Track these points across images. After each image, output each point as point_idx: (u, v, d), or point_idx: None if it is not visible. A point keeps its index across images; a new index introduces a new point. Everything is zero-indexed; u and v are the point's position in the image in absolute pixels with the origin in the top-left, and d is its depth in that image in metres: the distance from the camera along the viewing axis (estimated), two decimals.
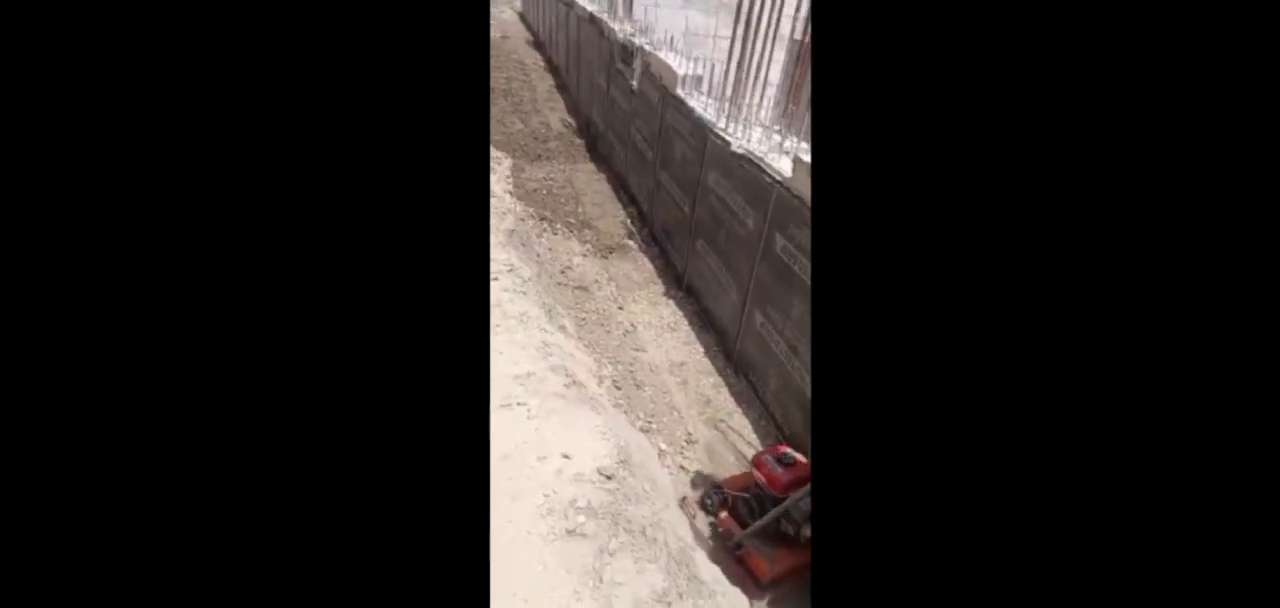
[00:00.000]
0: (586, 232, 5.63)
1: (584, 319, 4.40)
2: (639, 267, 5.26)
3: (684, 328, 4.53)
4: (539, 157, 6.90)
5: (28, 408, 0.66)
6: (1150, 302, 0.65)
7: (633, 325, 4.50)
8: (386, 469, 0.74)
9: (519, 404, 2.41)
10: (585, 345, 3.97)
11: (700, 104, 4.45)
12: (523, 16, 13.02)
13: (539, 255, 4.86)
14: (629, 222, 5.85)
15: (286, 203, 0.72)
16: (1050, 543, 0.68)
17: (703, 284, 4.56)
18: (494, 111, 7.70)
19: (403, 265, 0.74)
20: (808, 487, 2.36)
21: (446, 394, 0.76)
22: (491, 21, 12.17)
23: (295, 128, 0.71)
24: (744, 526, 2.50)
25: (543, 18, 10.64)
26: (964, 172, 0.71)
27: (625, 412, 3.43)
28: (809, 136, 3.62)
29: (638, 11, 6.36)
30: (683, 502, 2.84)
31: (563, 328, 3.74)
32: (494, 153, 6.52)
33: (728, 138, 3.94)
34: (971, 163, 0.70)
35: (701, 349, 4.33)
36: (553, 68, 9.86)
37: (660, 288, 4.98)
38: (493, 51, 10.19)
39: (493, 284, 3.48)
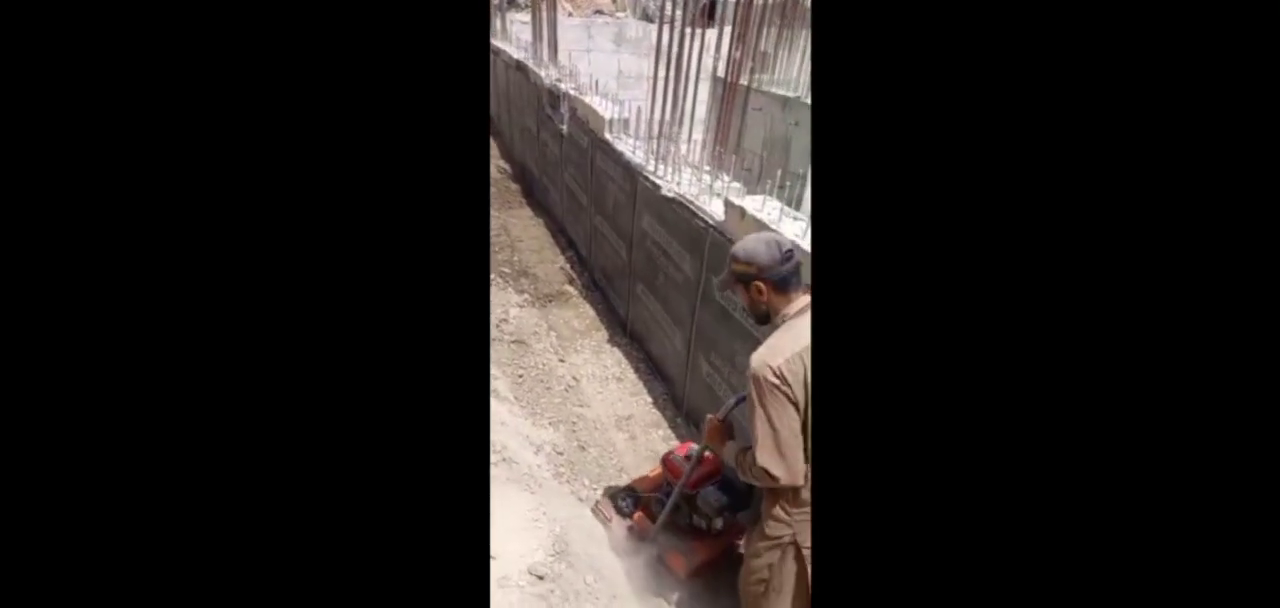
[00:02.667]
0: (523, 280, 5.39)
1: (522, 377, 4.13)
2: (580, 314, 5.06)
3: (630, 377, 4.34)
4: None
5: (27, 408, 0.65)
6: (1139, 319, 0.65)
7: (575, 379, 4.26)
8: (384, 473, 0.74)
9: None
10: (522, 409, 3.70)
11: (629, 147, 4.38)
12: None
13: None
14: (568, 267, 5.66)
15: (288, 205, 0.71)
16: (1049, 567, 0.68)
17: (646, 330, 4.41)
18: None
19: (403, 265, 0.74)
20: (716, 479, 2.44)
21: (445, 395, 0.76)
22: None
23: (296, 130, 0.71)
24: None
25: None
26: (967, 180, 0.71)
27: (568, 481, 3.17)
28: (738, 177, 3.58)
29: (565, 57, 6.31)
30: (596, 507, 2.79)
31: (495, 393, 3.46)
32: None
33: (658, 181, 3.86)
34: (974, 171, 0.70)
35: (650, 399, 4.14)
36: None
37: (604, 335, 4.78)
38: None
39: None
